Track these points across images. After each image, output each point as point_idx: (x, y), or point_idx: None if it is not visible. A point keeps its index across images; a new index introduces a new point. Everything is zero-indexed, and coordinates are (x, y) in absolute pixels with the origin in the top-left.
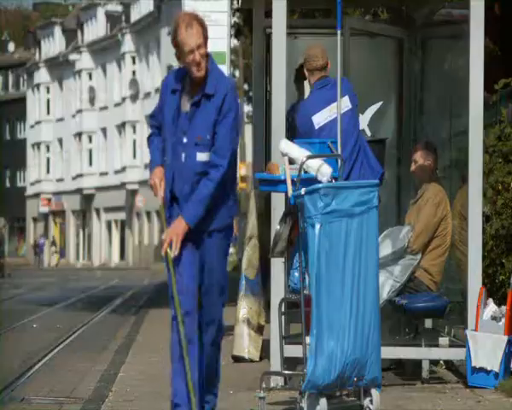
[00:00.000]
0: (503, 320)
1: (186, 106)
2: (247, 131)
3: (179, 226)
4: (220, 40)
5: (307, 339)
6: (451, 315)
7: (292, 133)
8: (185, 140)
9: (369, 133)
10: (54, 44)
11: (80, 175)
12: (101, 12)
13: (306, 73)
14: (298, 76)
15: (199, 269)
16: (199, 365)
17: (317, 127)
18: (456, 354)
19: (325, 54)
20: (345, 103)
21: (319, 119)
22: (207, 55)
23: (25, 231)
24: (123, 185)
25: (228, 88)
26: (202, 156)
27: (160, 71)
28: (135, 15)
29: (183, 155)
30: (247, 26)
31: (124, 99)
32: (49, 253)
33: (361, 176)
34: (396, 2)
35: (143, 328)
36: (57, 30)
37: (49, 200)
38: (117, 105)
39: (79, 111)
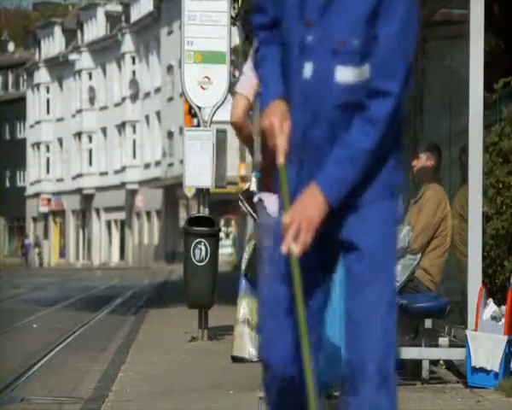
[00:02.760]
0: (503, 320)
1: None
2: None
3: (312, 205)
4: (220, 40)
5: None
6: (451, 315)
7: None
8: (311, 39)
9: None
10: (54, 44)
11: (80, 175)
12: (100, 12)
13: None
14: None
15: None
16: None
17: None
18: (456, 354)
19: None
20: None
21: None
22: None
23: (24, 230)
24: (123, 185)
25: None
26: (347, 74)
27: (159, 71)
28: (135, 15)
29: (309, 69)
30: (247, 27)
31: (124, 99)
32: (33, 253)
33: None
34: None
35: (143, 328)
36: (57, 30)
37: (49, 200)
38: (117, 105)
39: (79, 111)
